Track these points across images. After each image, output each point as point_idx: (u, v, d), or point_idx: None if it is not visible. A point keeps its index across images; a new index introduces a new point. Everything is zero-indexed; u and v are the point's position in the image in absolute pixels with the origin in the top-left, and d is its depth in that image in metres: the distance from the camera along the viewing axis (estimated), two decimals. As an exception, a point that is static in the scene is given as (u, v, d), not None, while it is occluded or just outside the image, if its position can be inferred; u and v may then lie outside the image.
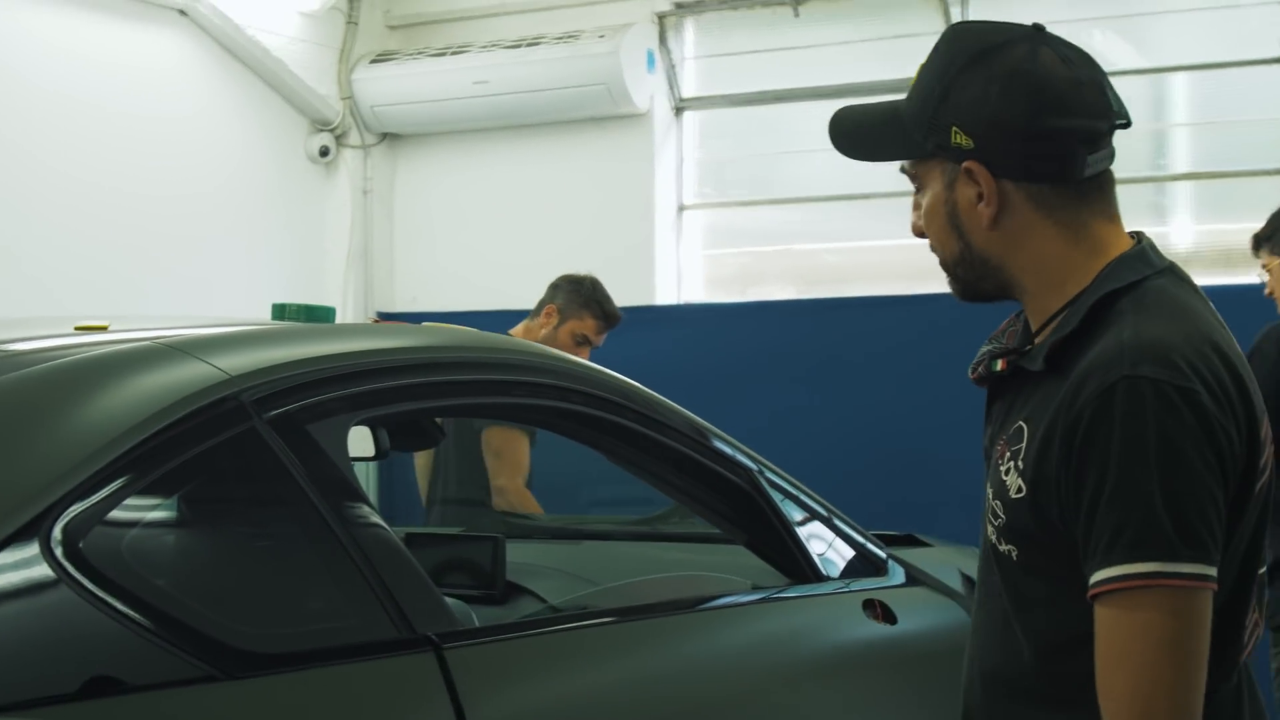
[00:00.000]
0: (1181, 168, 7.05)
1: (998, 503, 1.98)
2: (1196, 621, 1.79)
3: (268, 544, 2.36)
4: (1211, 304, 1.99)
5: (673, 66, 7.65)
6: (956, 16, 7.07)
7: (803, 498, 3.41)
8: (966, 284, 2.06)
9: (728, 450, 3.22)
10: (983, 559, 2.10)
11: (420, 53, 7.84)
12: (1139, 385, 1.80)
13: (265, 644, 2.11)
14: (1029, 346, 2.03)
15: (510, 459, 5.08)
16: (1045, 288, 2.00)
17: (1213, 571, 1.79)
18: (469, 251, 7.94)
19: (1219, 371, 1.85)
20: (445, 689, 2.20)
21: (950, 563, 3.93)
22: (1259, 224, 6.74)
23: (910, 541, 4.09)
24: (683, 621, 2.89)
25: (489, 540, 3.46)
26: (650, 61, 7.48)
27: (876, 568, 3.54)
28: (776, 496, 3.28)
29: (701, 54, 7.80)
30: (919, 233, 2.09)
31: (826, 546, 3.40)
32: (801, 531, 3.32)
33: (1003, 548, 1.99)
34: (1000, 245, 2.00)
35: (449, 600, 2.49)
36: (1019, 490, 1.93)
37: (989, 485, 2.03)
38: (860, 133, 2.14)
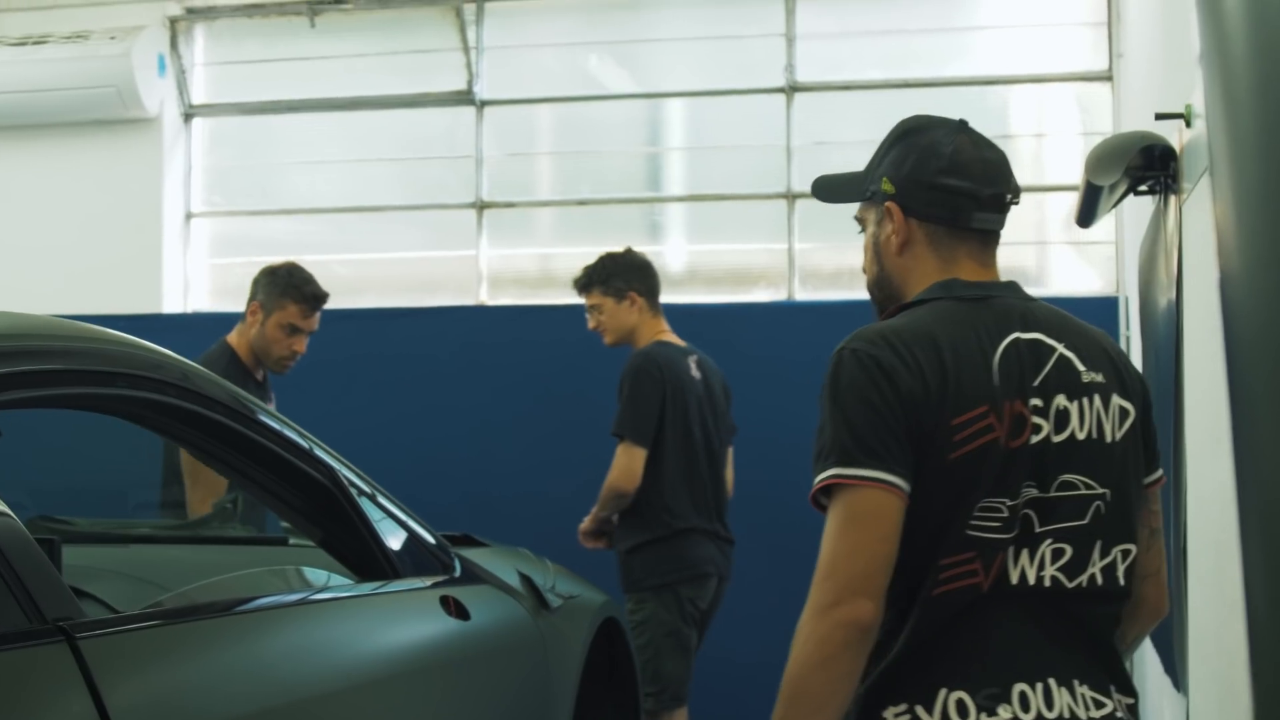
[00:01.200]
0: (676, 190, 7.39)
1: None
2: (869, 511, 2.38)
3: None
4: (981, 325, 2.52)
5: (183, 72, 7.55)
6: (471, 35, 7.25)
7: (368, 489, 3.43)
8: (880, 304, 2.68)
9: (307, 445, 3.22)
10: None
11: (-83, 47, 7.47)
12: (842, 354, 2.46)
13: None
14: None
15: (204, 479, 4.93)
16: None
17: (887, 476, 2.37)
18: (-34, 255, 7.61)
19: (916, 350, 2.44)
20: (80, 676, 2.17)
21: (507, 562, 4.05)
22: (750, 245, 7.19)
23: (468, 541, 4.18)
24: (289, 614, 2.91)
25: (43, 543, 3.36)
26: (161, 66, 7.37)
27: (443, 564, 3.62)
28: (350, 489, 3.30)
29: (213, 60, 7.73)
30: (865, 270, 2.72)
31: (400, 543, 3.46)
32: (378, 529, 3.36)
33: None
34: (901, 270, 2.64)
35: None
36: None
37: None
38: (836, 184, 2.79)
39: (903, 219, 2.61)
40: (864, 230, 2.71)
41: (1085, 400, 2.52)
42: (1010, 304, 2.58)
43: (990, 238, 2.62)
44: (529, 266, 7.49)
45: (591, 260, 5.69)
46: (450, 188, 7.43)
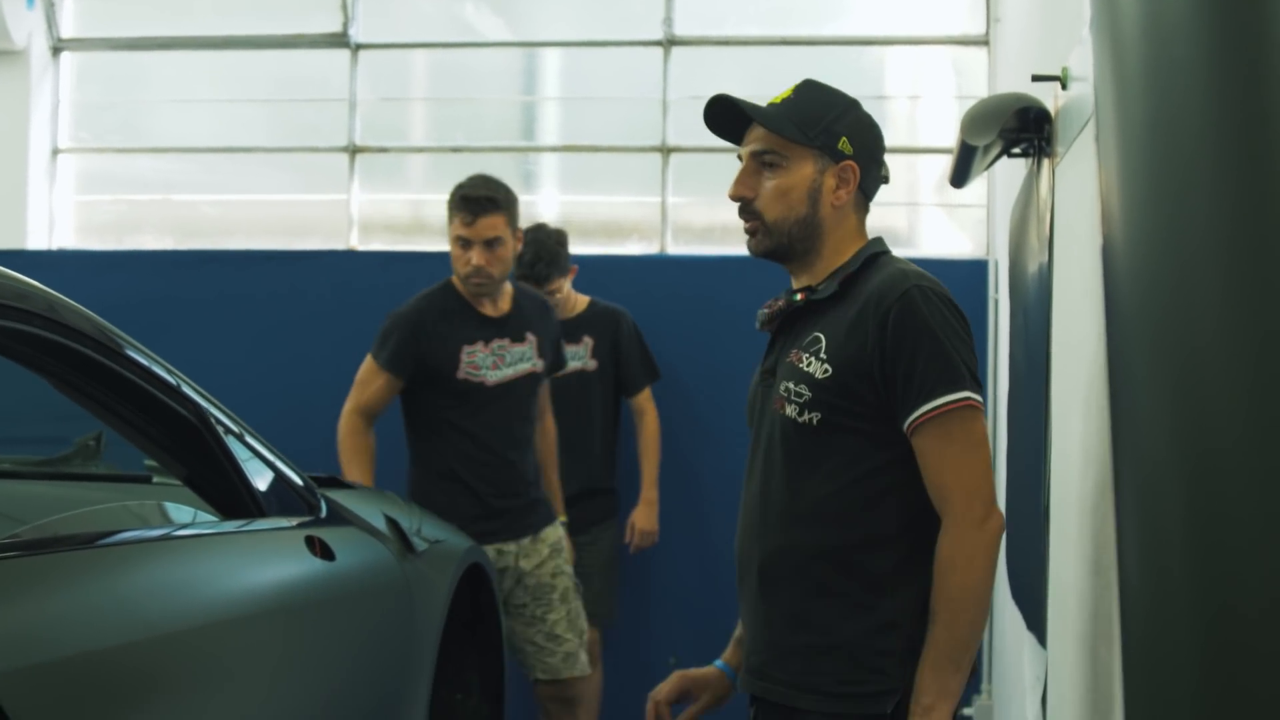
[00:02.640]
0: (551, 140, 7.38)
1: (801, 386, 2.87)
2: (984, 431, 2.81)
3: None
4: None
5: (52, 5, 7.39)
6: (348, -23, 7.17)
7: (235, 428, 3.40)
8: (790, 242, 2.94)
9: (175, 382, 3.18)
10: (765, 447, 2.96)
11: None
12: (924, 288, 2.82)
13: None
14: (812, 291, 2.96)
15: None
16: (833, 253, 2.96)
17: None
18: None
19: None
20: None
21: (373, 504, 4.04)
22: (624, 198, 7.20)
23: (334, 483, 4.17)
24: (148, 549, 2.88)
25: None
26: (29, -2, 7.22)
27: (309, 505, 3.60)
28: (216, 426, 3.27)
29: (84, -6, 7.58)
30: (738, 197, 2.95)
31: (266, 483, 3.44)
32: (245, 468, 3.33)
33: (803, 419, 2.86)
34: (833, 220, 2.95)
35: None
36: (825, 372, 2.84)
37: (782, 383, 2.91)
38: (742, 109, 2.95)
39: (857, 179, 2.95)
40: (774, 167, 2.93)
41: None
42: None
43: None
44: (400, 212, 7.45)
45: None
46: (322, 131, 7.36)
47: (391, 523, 3.95)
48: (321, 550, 3.42)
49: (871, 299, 2.83)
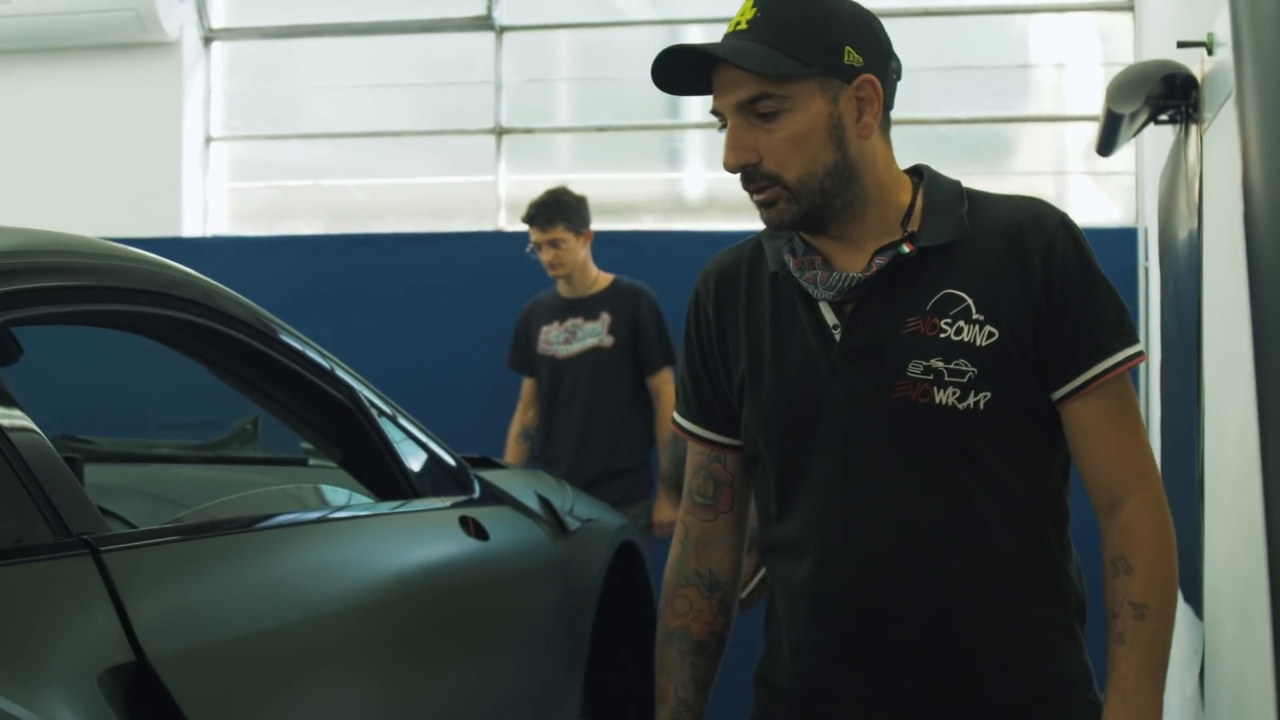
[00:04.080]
0: (695, 118, 7.36)
1: (959, 361, 2.22)
2: None
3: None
4: None
5: (203, -5, 7.53)
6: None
7: (389, 410, 3.46)
8: (823, 200, 2.24)
9: (328, 366, 3.24)
10: (858, 465, 2.27)
11: (-64, -31, 7.46)
12: (1069, 224, 2.26)
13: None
14: (909, 237, 2.27)
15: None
16: (881, 195, 2.28)
17: None
18: (-12, 175, 7.63)
19: None
20: (105, 588, 2.19)
21: (525, 484, 4.07)
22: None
23: (487, 463, 4.20)
24: (310, 530, 2.94)
25: (66, 460, 3.38)
26: (182, -11, 7.35)
27: (463, 485, 3.64)
28: (375, 414, 3.33)
29: (232, -16, 7.71)
30: (738, 167, 2.24)
31: (420, 464, 3.48)
32: (398, 449, 3.38)
33: (966, 404, 2.22)
34: (866, 156, 2.25)
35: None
36: (990, 336, 2.22)
37: (911, 363, 2.23)
38: (748, 53, 2.22)
39: (882, 94, 2.25)
40: (773, 115, 2.21)
41: None
42: None
43: None
44: (548, 192, 7.48)
45: (548, 192, 5.92)
46: (469, 113, 7.42)
47: (544, 502, 3.98)
48: (475, 530, 3.45)
49: (1024, 232, 2.24)
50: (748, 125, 2.22)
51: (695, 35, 7.51)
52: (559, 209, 5.84)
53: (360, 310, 6.94)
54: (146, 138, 7.45)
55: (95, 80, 7.50)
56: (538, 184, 7.37)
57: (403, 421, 3.47)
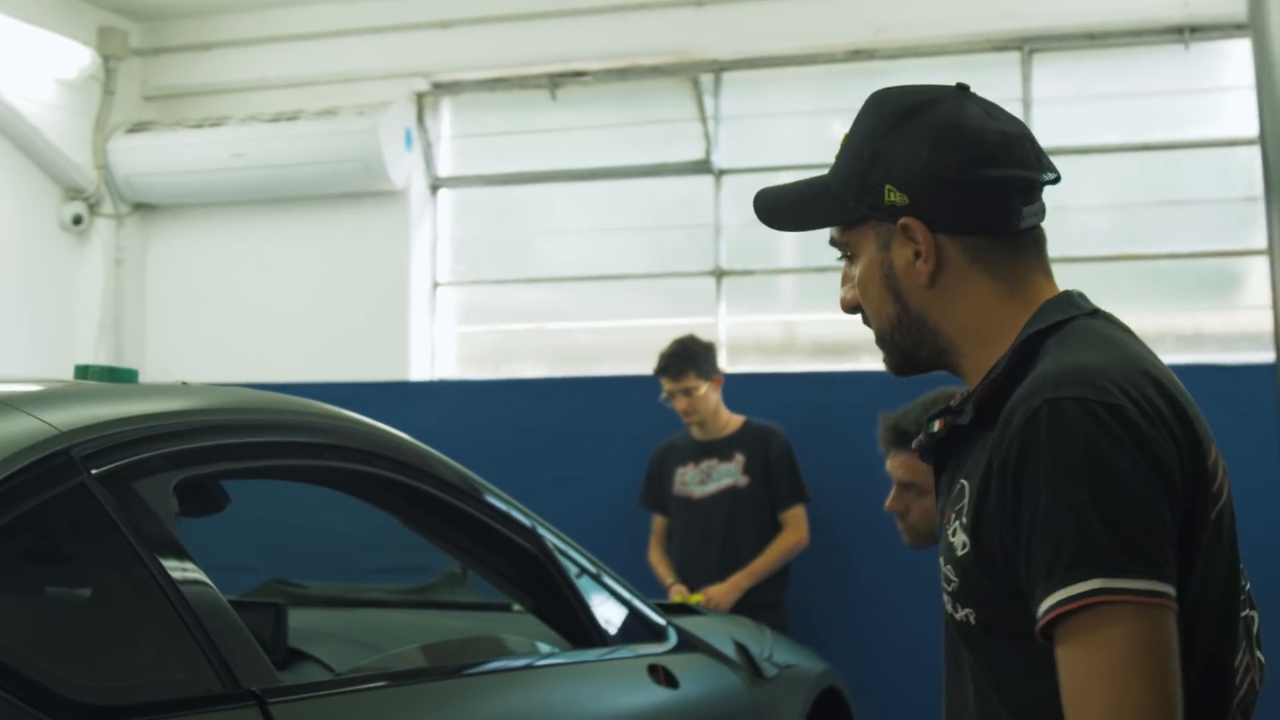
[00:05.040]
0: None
1: (949, 568, 1.85)
2: (1157, 643, 1.64)
3: (98, 599, 2.37)
4: (1148, 347, 1.92)
5: (429, 145, 7.74)
6: (709, 104, 7.31)
7: (584, 563, 3.49)
8: (904, 352, 1.98)
9: (516, 515, 3.29)
10: (946, 640, 1.96)
11: (178, 124, 7.80)
12: (1062, 406, 1.70)
13: (96, 696, 2.12)
14: (952, 413, 1.94)
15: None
16: (980, 344, 1.92)
17: (1167, 589, 1.65)
18: (223, 324, 7.92)
19: (1149, 393, 1.76)
20: (272, 741, 2.23)
21: (723, 630, 4.06)
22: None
23: (684, 609, 4.20)
24: (487, 682, 2.96)
25: (270, 607, 3.47)
26: (408, 140, 7.56)
27: (656, 633, 3.64)
28: (562, 561, 3.37)
29: (458, 133, 7.92)
30: (849, 308, 2.02)
31: (609, 612, 3.50)
32: (586, 596, 3.41)
33: (959, 614, 1.85)
34: (938, 304, 1.93)
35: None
36: (964, 546, 1.81)
37: (941, 557, 1.89)
38: (789, 204, 2.06)
39: (930, 237, 1.91)
40: (848, 256, 2.00)
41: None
42: (1118, 321, 1.96)
43: (1042, 235, 1.97)
44: (770, 333, 7.49)
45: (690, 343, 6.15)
46: (689, 255, 7.49)
47: (741, 649, 3.96)
48: (665, 678, 3.44)
49: (1010, 417, 1.76)
50: (846, 265, 2.03)
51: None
52: (689, 358, 6.06)
53: (583, 450, 7.00)
54: (376, 283, 7.68)
55: (328, 228, 7.77)
56: (758, 325, 7.42)
57: (588, 566, 3.50)
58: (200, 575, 2.35)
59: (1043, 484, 1.68)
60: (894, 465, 3.69)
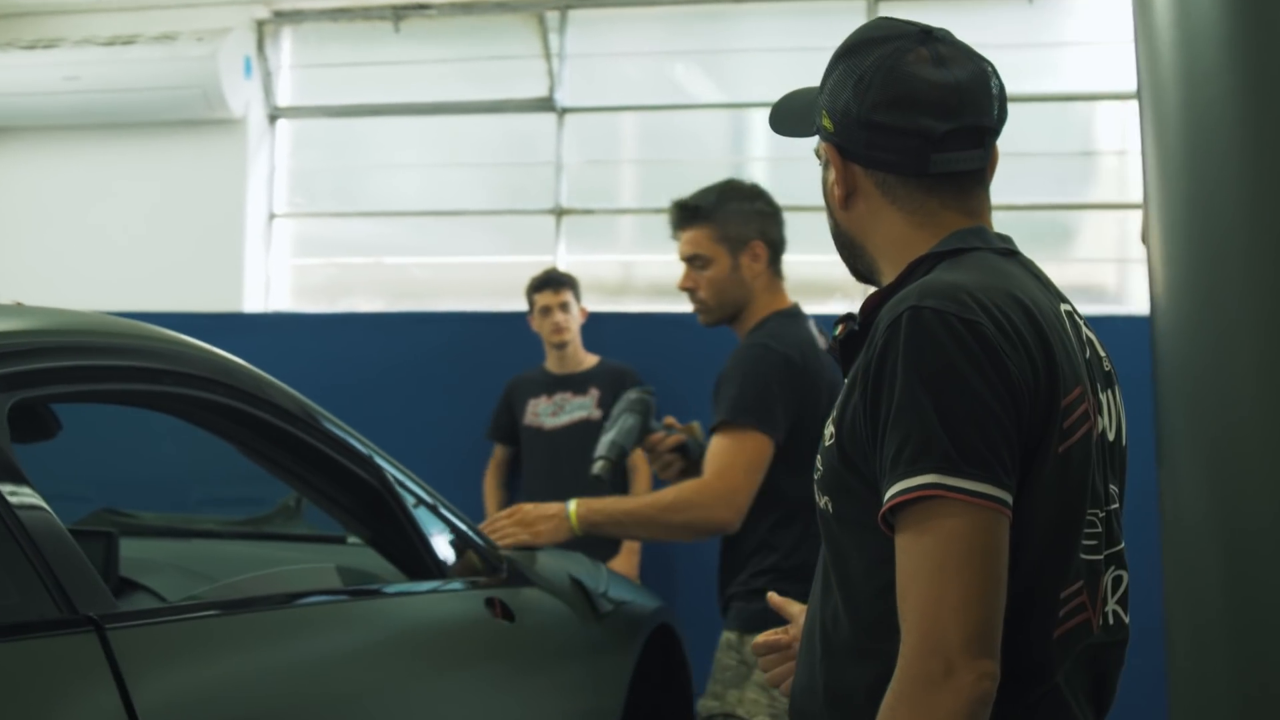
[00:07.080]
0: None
1: (818, 458, 1.97)
2: (983, 544, 1.74)
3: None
4: (1056, 291, 2.05)
5: (269, 74, 7.63)
6: (554, 43, 7.28)
7: (421, 494, 3.48)
8: (848, 261, 2.14)
9: (354, 444, 3.26)
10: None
11: (9, 44, 7.59)
12: (921, 314, 1.82)
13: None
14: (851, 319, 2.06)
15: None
16: (895, 266, 2.02)
17: (1002, 495, 1.76)
18: (54, 250, 7.73)
19: (1012, 314, 1.86)
20: (108, 667, 2.20)
21: (559, 566, 4.07)
22: (826, 257, 7.15)
23: (522, 545, 4.20)
24: (324, 611, 2.95)
25: (101, 535, 3.43)
26: (247, 68, 7.45)
27: (493, 567, 3.64)
28: (400, 492, 3.35)
29: (298, 63, 7.80)
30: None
31: (446, 545, 3.49)
32: (424, 528, 3.40)
33: (820, 502, 1.97)
34: (857, 225, 2.08)
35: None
36: (830, 437, 1.94)
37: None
38: (787, 109, 2.22)
39: (841, 165, 2.04)
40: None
41: (1111, 393, 2.03)
42: (1031, 265, 2.08)
43: (970, 180, 2.05)
44: (609, 273, 7.50)
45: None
46: (530, 193, 7.47)
47: (576, 583, 3.97)
48: (502, 611, 3.45)
49: (873, 328, 1.91)
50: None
51: (759, 118, 7.53)
52: (568, 278, 6.27)
53: (419, 386, 6.97)
54: (211, 213, 7.56)
55: (163, 156, 7.62)
56: (599, 264, 7.43)
57: (427, 499, 3.49)
58: (37, 499, 2.30)
59: (898, 385, 1.81)
60: (681, 244, 3.88)
